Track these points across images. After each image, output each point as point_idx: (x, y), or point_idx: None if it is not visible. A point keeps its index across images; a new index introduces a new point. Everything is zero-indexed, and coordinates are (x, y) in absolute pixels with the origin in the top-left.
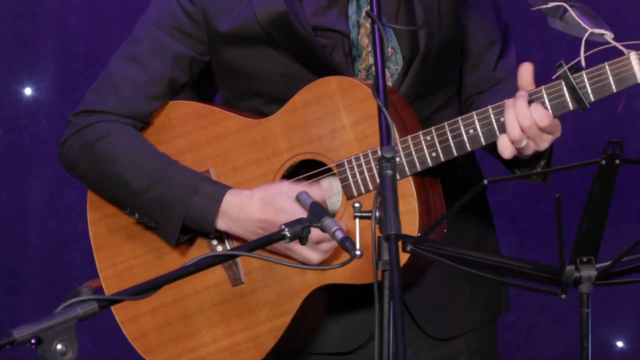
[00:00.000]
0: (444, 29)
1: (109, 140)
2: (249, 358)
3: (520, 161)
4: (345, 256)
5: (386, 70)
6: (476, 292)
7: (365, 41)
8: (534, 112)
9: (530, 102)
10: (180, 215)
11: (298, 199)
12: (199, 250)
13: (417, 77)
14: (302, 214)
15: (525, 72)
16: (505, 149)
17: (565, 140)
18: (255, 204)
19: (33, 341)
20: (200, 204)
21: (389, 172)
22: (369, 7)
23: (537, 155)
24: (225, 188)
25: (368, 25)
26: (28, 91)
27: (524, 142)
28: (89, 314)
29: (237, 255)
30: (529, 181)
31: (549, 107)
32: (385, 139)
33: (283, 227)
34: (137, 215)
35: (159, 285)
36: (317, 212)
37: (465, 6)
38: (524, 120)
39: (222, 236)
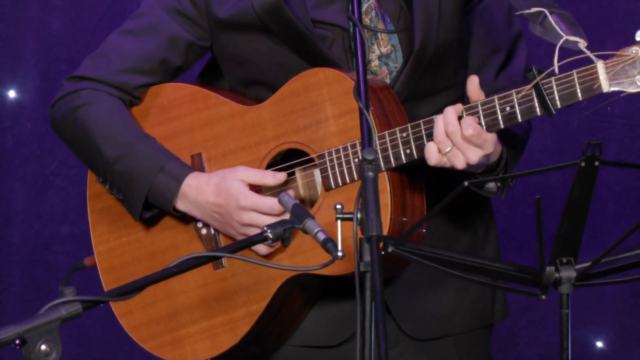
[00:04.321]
0: (443, 31)
1: (90, 109)
2: (224, 341)
3: (472, 177)
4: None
5: (384, 68)
6: (462, 295)
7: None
8: (462, 120)
9: (501, 104)
10: (144, 190)
11: (280, 201)
12: (186, 232)
13: (411, 75)
14: (252, 197)
15: (470, 85)
16: (430, 154)
17: (544, 142)
18: (211, 189)
19: (17, 342)
20: (163, 183)
21: (370, 174)
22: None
23: (489, 170)
24: (188, 170)
25: (368, 20)
26: (12, 94)
27: (449, 148)
28: (73, 314)
29: (219, 257)
30: (484, 194)
31: (518, 111)
32: (367, 141)
33: (265, 228)
34: (107, 185)
35: (142, 287)
36: (299, 213)
37: (474, 13)
38: (448, 126)
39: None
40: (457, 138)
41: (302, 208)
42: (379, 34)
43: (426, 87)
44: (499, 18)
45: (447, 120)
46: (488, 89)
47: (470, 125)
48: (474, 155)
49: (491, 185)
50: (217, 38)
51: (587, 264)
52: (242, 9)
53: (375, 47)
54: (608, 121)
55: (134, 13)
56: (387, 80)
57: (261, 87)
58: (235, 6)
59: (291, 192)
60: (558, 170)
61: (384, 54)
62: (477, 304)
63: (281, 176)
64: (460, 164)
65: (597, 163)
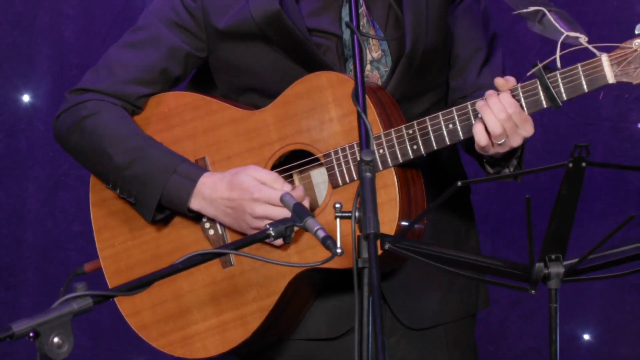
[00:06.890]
0: (431, 34)
1: (98, 118)
2: (235, 336)
3: (493, 160)
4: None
5: (376, 72)
6: (452, 287)
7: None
8: (502, 99)
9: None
10: (157, 192)
11: (282, 201)
12: (193, 233)
13: (402, 78)
14: (265, 190)
15: (499, 83)
16: (479, 135)
17: (534, 144)
18: (225, 185)
19: (31, 335)
20: (177, 183)
21: (368, 174)
22: (348, 19)
23: (509, 155)
24: (202, 170)
25: (360, 27)
26: (26, 98)
27: (503, 139)
28: (84, 309)
29: (224, 254)
30: (504, 179)
31: (524, 104)
32: (365, 142)
33: (268, 226)
34: (118, 190)
35: (150, 282)
36: (300, 212)
37: (454, 14)
38: (495, 107)
39: (207, 217)
40: (509, 122)
41: (303, 207)
42: (370, 39)
43: (415, 88)
44: (477, 18)
45: (495, 103)
46: (473, 86)
47: (512, 103)
48: (519, 138)
49: (489, 170)
50: (215, 48)
51: (574, 261)
52: (241, 20)
53: (367, 52)
54: (595, 124)
55: (133, 26)
56: (379, 84)
57: (255, 94)
58: (234, 17)
59: (299, 190)
60: (547, 171)
61: (375, 58)
62: (463, 295)
63: (288, 187)
64: (503, 149)
65: (584, 164)
